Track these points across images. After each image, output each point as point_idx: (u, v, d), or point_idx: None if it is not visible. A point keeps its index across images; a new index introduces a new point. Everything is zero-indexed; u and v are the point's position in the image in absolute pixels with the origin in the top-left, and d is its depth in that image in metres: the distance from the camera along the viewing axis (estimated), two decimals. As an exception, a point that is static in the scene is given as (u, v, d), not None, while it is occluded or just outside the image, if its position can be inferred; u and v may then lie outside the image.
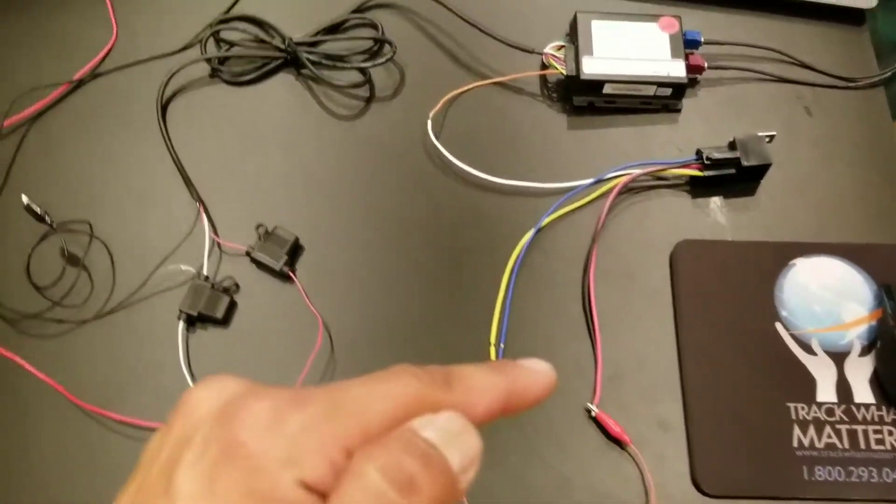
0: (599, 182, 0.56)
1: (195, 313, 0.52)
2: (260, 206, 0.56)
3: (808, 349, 0.51)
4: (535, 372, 0.22)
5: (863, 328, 0.52)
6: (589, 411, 0.50)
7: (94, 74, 0.61)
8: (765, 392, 0.50)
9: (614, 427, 0.49)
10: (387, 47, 0.60)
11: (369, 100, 0.60)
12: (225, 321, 0.52)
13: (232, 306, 0.53)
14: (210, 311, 0.52)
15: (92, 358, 0.52)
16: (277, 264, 0.53)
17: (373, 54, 0.61)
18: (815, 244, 0.54)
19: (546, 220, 0.55)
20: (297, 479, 0.17)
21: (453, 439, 0.19)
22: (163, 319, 0.53)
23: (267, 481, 0.17)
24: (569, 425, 0.50)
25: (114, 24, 0.63)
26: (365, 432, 0.18)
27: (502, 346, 0.51)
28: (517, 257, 0.54)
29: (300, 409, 0.18)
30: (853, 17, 0.63)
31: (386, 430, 0.19)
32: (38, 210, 0.53)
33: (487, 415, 0.20)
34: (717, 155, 0.55)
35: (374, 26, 0.61)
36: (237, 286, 0.54)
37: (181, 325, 0.52)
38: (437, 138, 0.57)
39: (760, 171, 0.56)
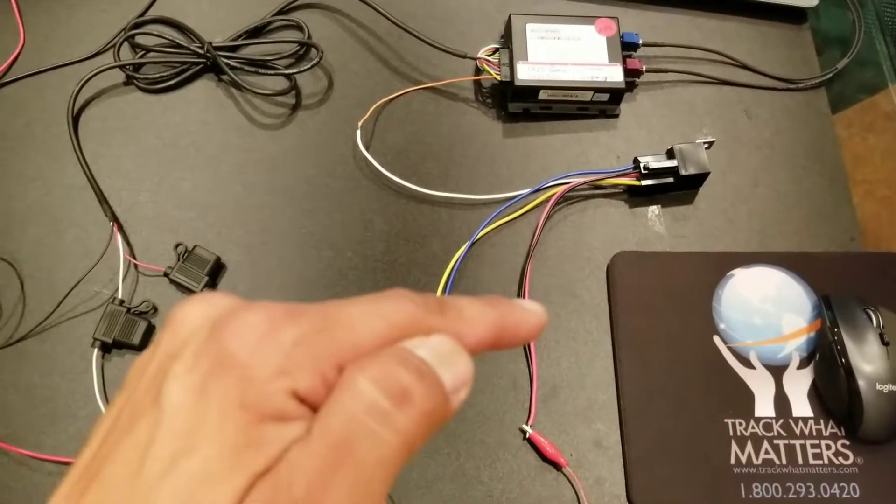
0: (535, 192, 0.54)
1: (110, 340, 0.49)
2: (179, 223, 0.53)
3: (747, 363, 0.50)
4: (527, 311, 0.22)
5: (801, 340, 0.51)
6: (524, 432, 0.48)
7: (-2, 84, 0.57)
8: (702, 408, 0.49)
9: (549, 448, 0.47)
10: (313, 51, 0.57)
11: (295, 107, 0.57)
12: (142, 347, 0.50)
13: (150, 331, 0.50)
14: (126, 337, 0.49)
15: (1, 389, 0.49)
16: (198, 286, 0.50)
17: (298, 59, 0.58)
18: (754, 254, 0.53)
19: (480, 234, 0.53)
20: (288, 389, 0.17)
21: (445, 360, 0.19)
22: (76, 346, 0.50)
23: (258, 391, 0.17)
24: (503, 447, 0.48)
25: (21, 30, 0.59)
26: (357, 349, 0.18)
27: (434, 368, 0.49)
28: (451, 273, 0.52)
29: (294, 323, 0.18)
30: (794, 15, 0.62)
31: (378, 348, 0.18)
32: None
33: (478, 345, 0.20)
34: (654, 164, 0.53)
35: (299, 28, 0.58)
36: (155, 309, 0.51)
37: (96, 352, 0.49)
38: (366, 148, 0.55)
39: (699, 179, 0.54)
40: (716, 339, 0.51)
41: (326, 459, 0.16)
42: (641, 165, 0.53)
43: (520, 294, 0.52)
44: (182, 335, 0.19)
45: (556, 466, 0.47)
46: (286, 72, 0.56)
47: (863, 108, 0.60)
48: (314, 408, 0.17)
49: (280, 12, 0.59)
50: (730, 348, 0.50)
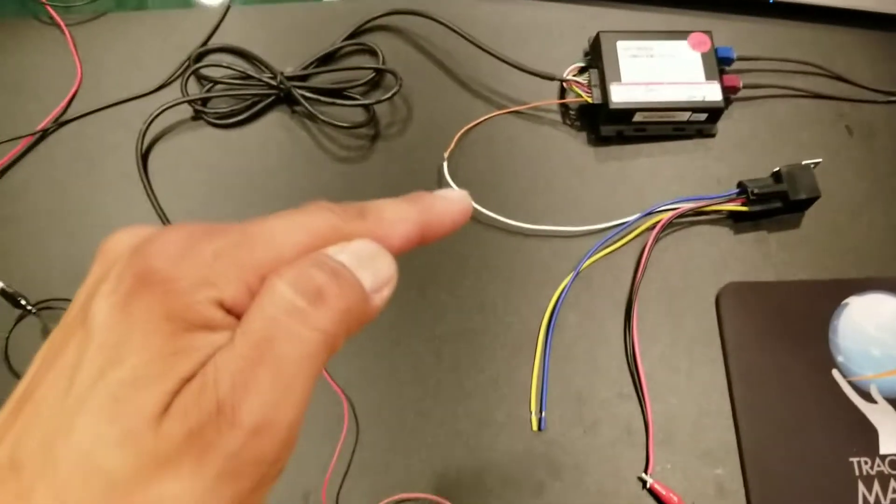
0: (639, 220, 0.51)
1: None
2: (263, 268, 0.50)
3: (868, 397, 0.48)
4: (449, 200, 0.22)
5: (924, 371, 0.48)
6: (643, 482, 0.46)
7: (58, 123, 0.54)
8: (826, 447, 0.47)
9: (672, 498, 0.45)
10: (389, 78, 0.54)
11: (374, 138, 0.54)
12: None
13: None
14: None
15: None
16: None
17: (373, 86, 0.55)
18: (867, 280, 0.51)
19: (585, 264, 0.50)
20: (213, 299, 0.17)
21: (365, 262, 0.19)
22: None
23: (183, 302, 0.17)
24: (622, 498, 0.46)
25: (77, 64, 0.55)
26: (279, 259, 0.18)
27: (543, 414, 0.47)
28: (553, 311, 0.49)
29: (213, 239, 0.18)
30: (891, 23, 0.59)
31: (300, 257, 0.19)
32: (11, 292, 0.47)
33: (404, 244, 0.21)
34: (762, 189, 0.50)
35: (372, 53, 0.55)
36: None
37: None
38: (453, 179, 0.52)
39: (807, 202, 0.51)
40: (835, 372, 0.48)
41: (248, 358, 0.17)
42: (749, 191, 0.50)
43: (628, 332, 0.49)
44: (109, 260, 0.19)
45: (680, 516, 0.45)
46: (366, 102, 0.52)
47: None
48: (240, 317, 0.18)
49: (350, 36, 0.56)
50: (850, 382, 0.48)
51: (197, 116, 0.54)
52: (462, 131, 0.53)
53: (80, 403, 0.16)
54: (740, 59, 0.55)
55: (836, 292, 0.50)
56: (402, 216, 0.21)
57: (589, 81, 0.53)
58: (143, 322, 0.17)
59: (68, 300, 0.47)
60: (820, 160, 0.52)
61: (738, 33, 0.58)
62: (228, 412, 0.16)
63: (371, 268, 0.20)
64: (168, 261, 0.18)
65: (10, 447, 0.17)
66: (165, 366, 0.17)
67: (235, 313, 0.18)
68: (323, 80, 0.55)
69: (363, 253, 0.20)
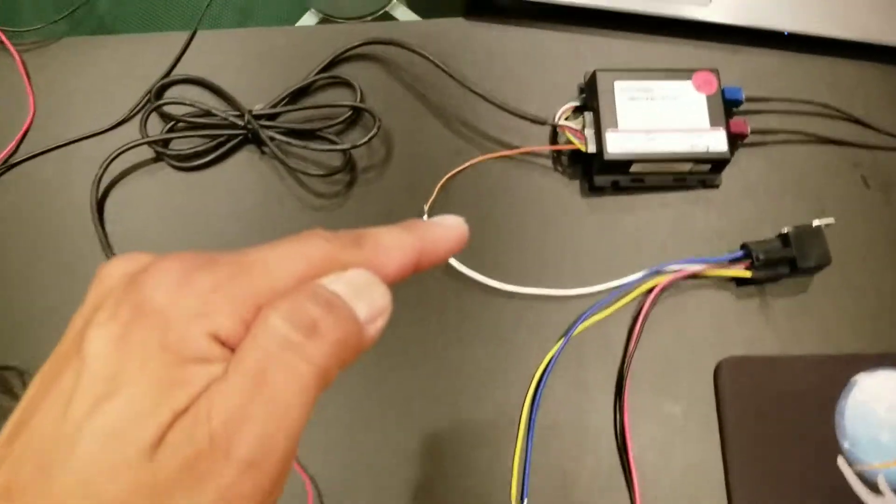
0: (635, 283, 0.47)
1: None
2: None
3: (875, 488, 0.44)
4: (446, 227, 0.22)
5: (936, 458, 0.45)
6: (628, 574, 0.43)
7: (6, 165, 0.50)
8: (827, 544, 0.43)
9: None
10: (367, 116, 0.50)
11: (350, 184, 0.50)
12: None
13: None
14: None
15: None
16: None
17: (350, 123, 0.50)
18: (879, 356, 0.47)
19: (577, 331, 0.46)
20: (207, 331, 0.18)
21: (360, 292, 0.19)
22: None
23: (178, 334, 0.17)
24: (604, 590, 0.43)
25: (30, 95, 0.51)
26: (274, 290, 0.18)
27: (525, 502, 0.44)
28: (539, 382, 0.46)
29: (209, 270, 0.18)
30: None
31: (295, 288, 0.19)
32: (-50, 360, 0.44)
33: (400, 272, 0.21)
34: (768, 255, 0.46)
35: (349, 86, 0.51)
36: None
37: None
38: (433, 232, 0.48)
39: (817, 268, 0.47)
40: (840, 461, 0.45)
41: (243, 391, 0.17)
42: (754, 255, 0.46)
43: (618, 410, 0.45)
44: (104, 288, 0.19)
45: None
46: (341, 147, 0.48)
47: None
48: (234, 350, 0.18)
49: (325, 69, 0.51)
50: (856, 472, 0.44)
51: (158, 158, 0.50)
52: (445, 178, 0.49)
53: (75, 433, 0.16)
54: (749, 99, 0.50)
55: (843, 369, 0.46)
56: (398, 244, 0.21)
57: (583, 126, 0.49)
58: (138, 353, 0.17)
59: (15, 368, 0.44)
60: (832, 220, 0.47)
61: (749, 68, 0.53)
62: (222, 445, 0.17)
63: (366, 298, 0.20)
64: (164, 292, 0.18)
65: (5, 475, 0.17)
66: (160, 398, 0.17)
67: (230, 345, 0.18)
68: (295, 118, 0.50)
69: (358, 282, 0.20)
